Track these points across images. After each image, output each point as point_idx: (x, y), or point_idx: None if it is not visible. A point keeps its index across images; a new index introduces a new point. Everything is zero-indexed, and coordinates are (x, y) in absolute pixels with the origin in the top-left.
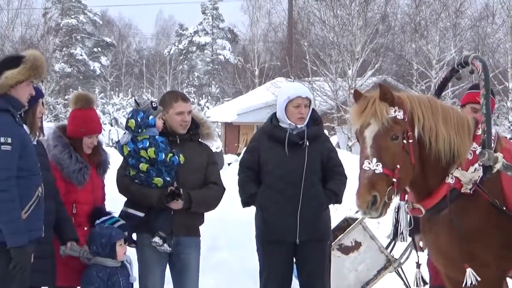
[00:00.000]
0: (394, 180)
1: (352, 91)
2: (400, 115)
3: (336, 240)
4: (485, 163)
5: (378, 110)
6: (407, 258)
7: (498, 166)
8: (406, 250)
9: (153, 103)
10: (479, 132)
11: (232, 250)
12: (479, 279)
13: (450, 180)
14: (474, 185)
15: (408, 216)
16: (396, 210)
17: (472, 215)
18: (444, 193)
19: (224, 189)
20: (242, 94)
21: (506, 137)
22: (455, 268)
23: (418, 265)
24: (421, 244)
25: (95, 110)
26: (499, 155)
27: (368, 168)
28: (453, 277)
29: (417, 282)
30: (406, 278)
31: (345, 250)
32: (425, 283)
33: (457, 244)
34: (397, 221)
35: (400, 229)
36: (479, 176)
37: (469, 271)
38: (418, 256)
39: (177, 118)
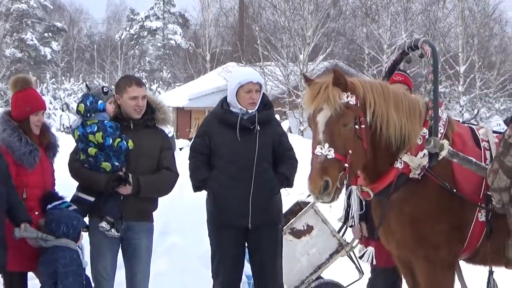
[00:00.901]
0: (346, 165)
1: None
2: (352, 100)
3: (288, 224)
4: (430, 151)
5: (330, 95)
6: (359, 242)
7: (443, 153)
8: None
9: (104, 88)
10: (428, 117)
11: (184, 235)
12: (374, 262)
13: (398, 165)
14: (423, 170)
15: (359, 201)
16: (348, 195)
17: (421, 199)
18: (392, 178)
19: (177, 174)
20: (193, 79)
21: (458, 121)
22: (406, 250)
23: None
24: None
25: (35, 89)
26: (445, 142)
27: (320, 154)
28: (404, 258)
29: (367, 258)
30: (358, 262)
31: (297, 234)
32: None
33: (408, 228)
34: (348, 205)
35: (351, 213)
36: (427, 162)
37: (370, 249)
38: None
39: (131, 103)
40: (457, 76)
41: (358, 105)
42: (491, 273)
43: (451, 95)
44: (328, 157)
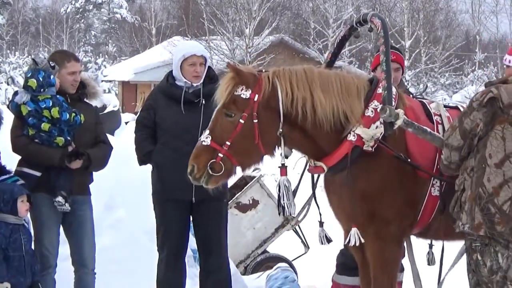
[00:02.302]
0: (221, 154)
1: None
2: (246, 94)
3: (233, 198)
4: (386, 120)
5: (224, 87)
6: (304, 216)
7: (399, 122)
8: (303, 208)
9: (50, 63)
10: (380, 90)
11: (130, 209)
12: (362, 240)
13: (352, 138)
14: (376, 142)
15: (291, 189)
16: (278, 187)
17: (374, 173)
18: (346, 151)
19: (112, 147)
20: (139, 53)
21: (409, 95)
22: (356, 225)
23: (321, 224)
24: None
25: None
26: (400, 111)
27: (200, 139)
28: None
29: (321, 240)
30: (304, 236)
31: (243, 208)
32: (329, 241)
33: (359, 203)
34: (280, 197)
35: (283, 203)
36: (381, 133)
37: (354, 230)
38: (320, 214)
39: (69, 78)
40: (403, 51)
41: (255, 99)
42: (430, 246)
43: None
44: (203, 143)
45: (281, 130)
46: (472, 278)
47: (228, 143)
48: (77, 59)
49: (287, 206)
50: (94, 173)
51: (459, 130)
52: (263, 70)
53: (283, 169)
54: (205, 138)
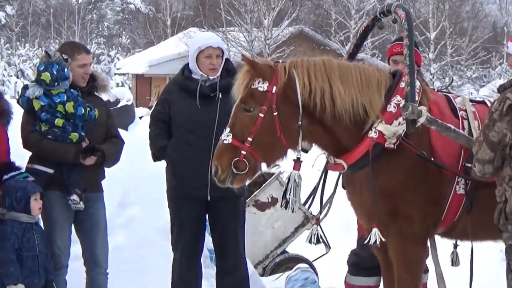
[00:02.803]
0: (243, 152)
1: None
2: (263, 87)
3: (251, 196)
4: (408, 117)
5: (241, 81)
6: (325, 215)
7: (421, 120)
8: (324, 206)
9: (63, 55)
10: (403, 84)
11: (143, 207)
12: (383, 239)
13: (373, 134)
14: (398, 139)
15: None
16: (288, 180)
17: (396, 170)
18: (366, 148)
19: (124, 142)
20: (153, 45)
21: (434, 89)
22: (379, 225)
23: (318, 222)
24: None
25: None
26: (423, 108)
27: (221, 138)
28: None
29: (311, 238)
30: (324, 236)
31: (261, 206)
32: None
33: (382, 201)
34: (286, 189)
35: (288, 197)
36: (403, 130)
37: (374, 230)
38: (320, 212)
39: (79, 71)
40: (428, 43)
41: (273, 91)
42: (455, 246)
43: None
44: (225, 142)
45: (300, 122)
46: (511, 279)
47: (249, 139)
48: (88, 50)
49: (292, 202)
50: (106, 169)
51: (486, 144)
52: (280, 61)
53: (297, 163)
54: (226, 137)
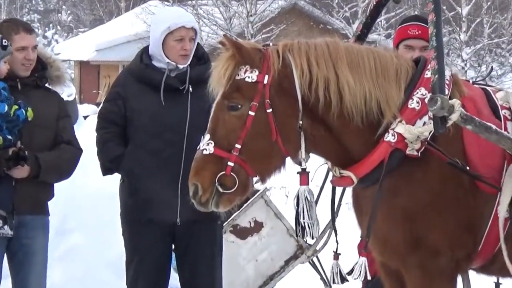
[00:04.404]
0: (231, 164)
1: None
2: (252, 77)
3: (229, 220)
4: (436, 114)
5: (222, 71)
6: (325, 244)
7: (454, 117)
8: (323, 233)
9: (3, 41)
10: (428, 73)
11: (88, 234)
12: (369, 276)
13: (390, 138)
14: (423, 144)
15: (313, 205)
16: (296, 200)
17: (420, 186)
18: (382, 156)
19: (81, 150)
20: (102, 23)
21: (467, 81)
22: (395, 256)
23: (337, 256)
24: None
25: None
26: (456, 102)
27: (199, 148)
28: (392, 266)
29: (333, 278)
30: (323, 270)
31: (242, 232)
32: (344, 279)
33: (400, 227)
34: (298, 213)
35: (302, 222)
36: (430, 132)
37: (362, 260)
38: (337, 243)
39: (18, 56)
40: (459, 21)
41: (265, 81)
42: (497, 285)
43: (451, 45)
44: (205, 152)
45: (301, 122)
46: None
47: (238, 146)
48: (29, 29)
49: (309, 226)
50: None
51: None
52: (270, 44)
53: (304, 175)
54: (206, 145)
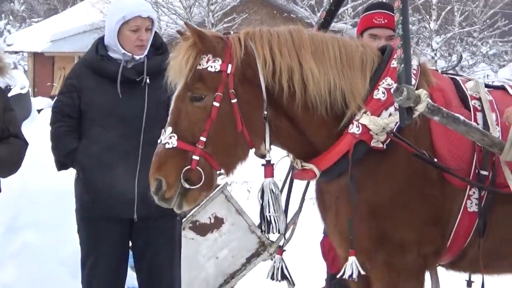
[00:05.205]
0: (195, 157)
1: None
2: (215, 66)
3: (188, 216)
4: (402, 104)
5: (183, 60)
6: (288, 240)
7: (420, 108)
8: (286, 229)
9: None
10: (395, 63)
11: (41, 231)
12: (362, 272)
13: (354, 130)
14: (389, 135)
15: (279, 197)
16: (261, 193)
17: (386, 178)
18: (345, 148)
19: (27, 144)
20: (57, 13)
21: (436, 70)
22: (361, 252)
23: (281, 251)
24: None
25: None
26: (422, 92)
27: (160, 141)
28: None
29: (274, 274)
30: (287, 269)
31: (201, 229)
32: (284, 277)
33: (365, 222)
34: (263, 206)
35: (268, 216)
36: (396, 123)
37: (352, 260)
38: (285, 239)
39: None
40: (428, 8)
41: (229, 71)
42: (469, 283)
43: (420, 34)
44: (168, 146)
45: (265, 112)
46: None
47: (202, 138)
48: None
49: (275, 219)
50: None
51: None
52: (231, 33)
53: (269, 167)
54: (168, 139)
